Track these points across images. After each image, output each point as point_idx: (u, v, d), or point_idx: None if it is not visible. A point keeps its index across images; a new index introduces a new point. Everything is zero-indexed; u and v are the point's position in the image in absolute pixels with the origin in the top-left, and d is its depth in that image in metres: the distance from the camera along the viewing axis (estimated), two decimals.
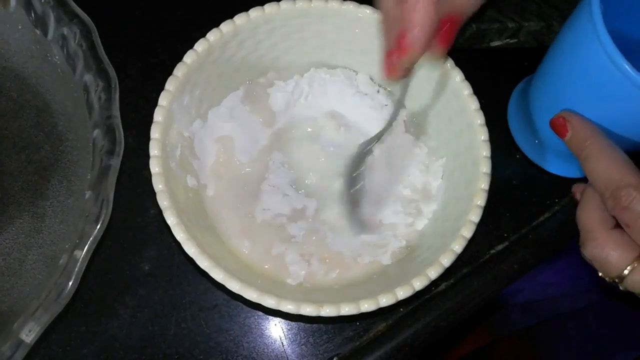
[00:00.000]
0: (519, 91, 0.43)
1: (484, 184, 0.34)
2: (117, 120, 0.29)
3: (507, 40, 0.43)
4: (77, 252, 0.27)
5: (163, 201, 0.31)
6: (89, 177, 0.32)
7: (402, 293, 0.31)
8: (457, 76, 0.36)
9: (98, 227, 0.28)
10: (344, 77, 0.40)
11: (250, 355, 0.37)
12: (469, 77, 0.36)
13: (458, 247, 0.32)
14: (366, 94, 0.40)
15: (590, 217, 0.31)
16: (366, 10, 0.37)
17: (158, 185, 0.31)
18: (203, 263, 0.30)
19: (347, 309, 0.31)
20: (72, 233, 0.32)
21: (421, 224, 0.38)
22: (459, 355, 0.66)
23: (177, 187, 0.34)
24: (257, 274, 0.35)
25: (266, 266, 0.36)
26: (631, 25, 0.35)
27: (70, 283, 0.27)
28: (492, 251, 0.40)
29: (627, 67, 0.29)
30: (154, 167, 0.31)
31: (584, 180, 0.42)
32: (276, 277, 0.35)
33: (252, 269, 0.35)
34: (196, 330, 0.37)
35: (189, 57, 0.34)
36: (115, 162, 0.29)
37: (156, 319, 0.37)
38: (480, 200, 0.33)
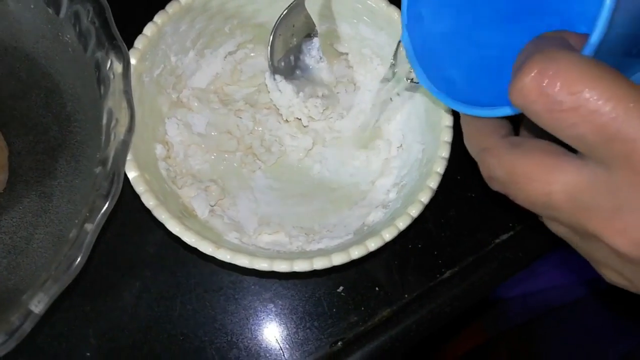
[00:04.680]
0: None
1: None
2: (130, 97, 0.29)
3: None
4: (87, 225, 0.27)
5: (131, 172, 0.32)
6: (97, 156, 0.32)
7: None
8: None
9: (109, 201, 0.28)
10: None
11: (254, 337, 0.37)
12: None
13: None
14: None
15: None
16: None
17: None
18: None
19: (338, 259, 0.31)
20: (79, 213, 0.32)
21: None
22: (454, 355, 0.66)
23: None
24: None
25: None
26: None
27: (80, 256, 0.27)
28: (497, 240, 0.40)
29: None
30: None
31: None
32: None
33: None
34: (201, 311, 0.37)
35: None
36: (127, 137, 0.29)
37: (161, 300, 0.37)
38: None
